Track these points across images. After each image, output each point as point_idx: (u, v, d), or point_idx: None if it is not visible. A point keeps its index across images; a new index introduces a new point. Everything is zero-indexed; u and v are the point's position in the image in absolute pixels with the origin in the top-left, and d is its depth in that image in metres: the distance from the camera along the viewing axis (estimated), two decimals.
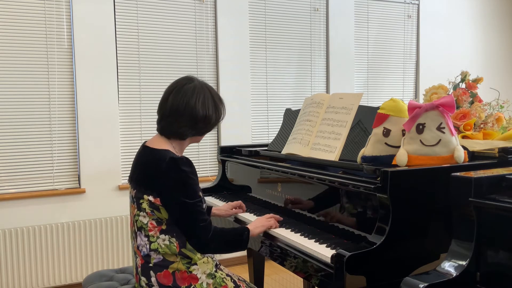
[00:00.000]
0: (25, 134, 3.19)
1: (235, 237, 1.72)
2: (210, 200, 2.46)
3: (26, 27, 3.16)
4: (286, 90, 4.05)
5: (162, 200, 1.61)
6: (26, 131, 3.19)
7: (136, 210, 1.68)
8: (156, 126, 1.77)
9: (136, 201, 1.67)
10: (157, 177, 1.61)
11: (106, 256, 3.36)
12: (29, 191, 3.21)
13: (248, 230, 1.74)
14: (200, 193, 1.68)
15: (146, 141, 1.77)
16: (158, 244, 1.64)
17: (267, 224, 1.83)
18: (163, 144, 1.69)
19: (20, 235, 3.13)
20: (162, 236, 1.64)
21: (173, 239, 1.64)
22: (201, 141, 1.93)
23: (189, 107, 1.67)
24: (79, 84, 3.30)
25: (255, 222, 1.83)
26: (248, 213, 2.14)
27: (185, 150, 1.81)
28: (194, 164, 1.67)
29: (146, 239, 1.65)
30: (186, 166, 1.61)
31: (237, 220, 2.14)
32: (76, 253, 3.28)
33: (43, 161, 3.24)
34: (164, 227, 1.64)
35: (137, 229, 1.68)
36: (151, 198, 1.62)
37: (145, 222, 1.65)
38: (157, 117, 1.77)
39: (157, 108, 1.77)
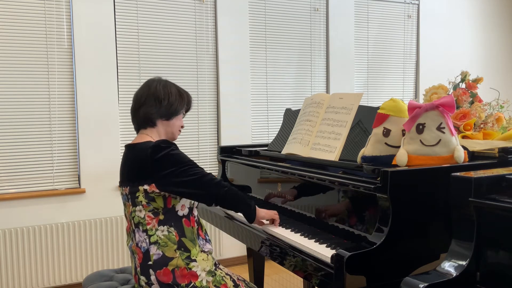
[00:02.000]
0: (25, 134, 3.19)
1: (245, 200, 1.81)
2: None
3: (26, 27, 3.16)
4: (286, 90, 4.05)
5: (159, 183, 1.64)
6: (26, 131, 3.19)
7: (131, 207, 1.70)
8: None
9: (131, 197, 1.70)
10: (145, 164, 1.65)
11: (106, 256, 3.36)
12: (29, 191, 3.21)
13: (255, 204, 1.83)
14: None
15: (127, 144, 1.82)
16: (158, 236, 1.66)
17: (272, 215, 1.88)
18: (143, 139, 1.76)
19: (20, 235, 3.13)
20: (161, 227, 1.66)
21: (172, 229, 1.66)
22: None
23: (150, 92, 1.78)
24: (79, 84, 3.30)
25: (261, 209, 1.88)
26: None
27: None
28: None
29: (145, 233, 1.67)
30: (167, 144, 1.68)
31: (234, 219, 2.14)
32: (76, 253, 3.28)
33: (43, 161, 3.24)
34: (161, 217, 1.67)
35: (135, 226, 1.70)
36: (146, 186, 1.65)
37: (142, 216, 1.67)
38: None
39: None
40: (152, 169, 1.64)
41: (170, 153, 1.66)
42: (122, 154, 3.41)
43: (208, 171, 1.73)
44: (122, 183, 1.77)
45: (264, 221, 1.89)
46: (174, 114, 1.82)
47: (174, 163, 1.65)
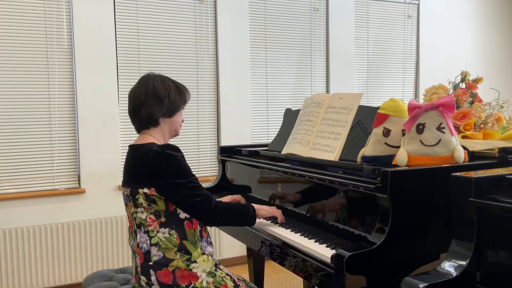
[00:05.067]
0: (25, 134, 3.19)
1: (241, 210, 1.78)
2: None
3: (26, 27, 3.16)
4: (286, 90, 4.05)
5: (157, 189, 1.63)
6: (26, 131, 3.19)
7: (133, 208, 1.70)
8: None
9: (132, 198, 1.69)
10: (147, 167, 1.64)
11: (106, 256, 3.36)
12: (29, 191, 3.21)
13: (253, 206, 1.80)
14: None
15: (130, 144, 1.80)
16: (159, 238, 1.65)
17: (273, 212, 1.87)
18: (146, 139, 1.74)
19: (20, 235, 3.13)
20: (162, 229, 1.65)
21: (173, 231, 1.65)
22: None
23: (149, 90, 1.73)
24: (79, 84, 3.30)
25: (261, 206, 1.86)
26: None
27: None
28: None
29: (146, 235, 1.67)
30: (172, 150, 1.65)
31: None
32: (76, 253, 3.28)
33: (43, 161, 3.24)
34: (163, 219, 1.66)
35: (137, 226, 1.70)
36: (145, 190, 1.64)
37: (144, 217, 1.66)
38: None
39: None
40: (152, 174, 1.63)
41: (173, 162, 1.64)
42: (122, 154, 3.43)
43: (206, 192, 1.69)
44: (124, 184, 1.76)
45: (266, 220, 1.89)
46: (176, 111, 1.79)
47: (174, 174, 1.63)
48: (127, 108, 1.82)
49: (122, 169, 3.47)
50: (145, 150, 1.66)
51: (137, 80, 1.80)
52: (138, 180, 1.66)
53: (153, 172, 1.63)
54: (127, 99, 3.40)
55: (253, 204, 1.83)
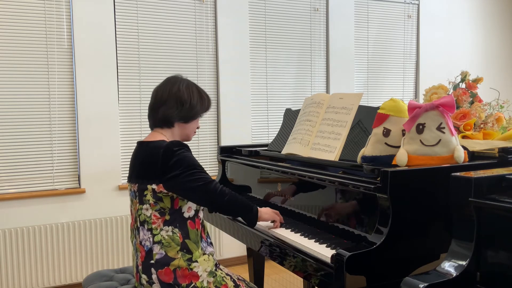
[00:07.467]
0: (25, 134, 3.19)
1: (244, 203, 1.80)
2: None
3: (26, 27, 3.16)
4: (286, 90, 4.05)
5: (166, 184, 1.64)
6: (26, 131, 3.19)
7: (138, 204, 1.71)
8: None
9: (138, 194, 1.70)
10: (157, 164, 1.65)
11: (106, 256, 3.36)
12: (29, 191, 3.21)
13: (256, 208, 1.83)
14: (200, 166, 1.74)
15: (139, 141, 1.83)
16: (162, 236, 1.66)
17: (274, 216, 1.88)
18: (156, 137, 1.76)
19: (20, 235, 3.13)
20: (166, 227, 1.67)
21: (176, 230, 1.67)
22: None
23: (172, 92, 1.76)
24: (79, 84, 3.30)
25: (264, 209, 1.87)
26: None
27: None
28: None
29: (149, 232, 1.67)
30: (178, 146, 1.68)
31: (235, 219, 2.14)
32: (76, 253, 3.28)
33: (43, 161, 3.24)
34: (167, 217, 1.67)
35: (140, 223, 1.70)
36: (154, 186, 1.66)
37: (148, 214, 1.68)
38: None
39: None
40: (162, 170, 1.65)
41: (181, 156, 1.66)
42: (122, 153, 3.43)
43: (212, 178, 1.72)
44: (131, 179, 1.77)
45: (265, 223, 1.89)
46: (193, 118, 1.81)
47: (183, 166, 1.65)
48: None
49: (122, 168, 3.47)
50: (155, 147, 1.69)
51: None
52: (147, 176, 1.68)
53: (164, 167, 1.64)
54: (127, 99, 3.41)
55: (258, 207, 1.85)
